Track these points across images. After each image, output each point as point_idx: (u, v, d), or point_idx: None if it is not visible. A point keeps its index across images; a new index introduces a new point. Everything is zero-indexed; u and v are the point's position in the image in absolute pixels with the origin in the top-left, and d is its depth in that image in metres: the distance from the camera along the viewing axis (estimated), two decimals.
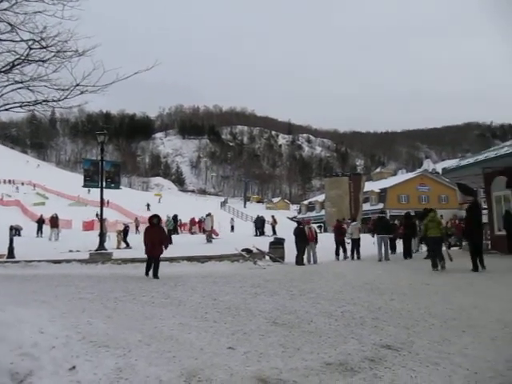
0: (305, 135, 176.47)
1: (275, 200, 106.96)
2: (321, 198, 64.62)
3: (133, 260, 13.53)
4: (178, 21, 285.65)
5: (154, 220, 10.79)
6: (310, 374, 3.64)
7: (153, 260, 10.49)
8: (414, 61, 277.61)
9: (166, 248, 10.78)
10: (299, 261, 14.35)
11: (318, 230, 18.16)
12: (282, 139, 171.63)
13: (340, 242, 16.37)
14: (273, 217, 33.29)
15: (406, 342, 4.55)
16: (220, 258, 13.97)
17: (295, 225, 16.82)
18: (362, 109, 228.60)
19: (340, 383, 3.44)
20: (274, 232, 29.54)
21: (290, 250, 14.86)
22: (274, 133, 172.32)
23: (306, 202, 76.70)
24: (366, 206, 51.65)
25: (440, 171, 39.68)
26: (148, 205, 53.48)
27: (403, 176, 67.51)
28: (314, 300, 7.12)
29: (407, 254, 15.70)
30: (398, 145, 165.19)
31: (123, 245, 21.32)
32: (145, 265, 10.85)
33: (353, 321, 5.58)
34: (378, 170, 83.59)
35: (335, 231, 17.12)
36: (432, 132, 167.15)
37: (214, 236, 26.59)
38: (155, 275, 10.29)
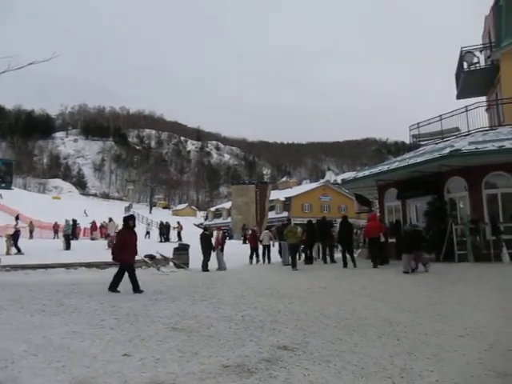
0: (214, 142, 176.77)
1: (182, 206, 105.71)
2: (228, 205, 65.11)
3: (23, 266, 12.55)
4: (85, 17, 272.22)
5: (131, 222, 9.30)
6: (207, 377, 3.63)
7: (125, 270, 8.88)
8: (315, 81, 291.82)
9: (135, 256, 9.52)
10: (204, 266, 14.32)
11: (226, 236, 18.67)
12: (191, 145, 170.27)
13: (254, 249, 17.66)
14: (178, 223, 32.90)
15: (302, 343, 4.73)
16: None
17: (201, 231, 16.89)
18: (270, 120, 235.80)
19: None
20: (180, 238, 29.20)
21: (197, 256, 14.76)
22: (182, 138, 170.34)
23: (213, 209, 76.78)
24: (272, 214, 53.06)
25: (340, 182, 41.99)
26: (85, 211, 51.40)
27: (307, 186, 70.48)
28: (216, 305, 7.14)
29: (308, 259, 16.44)
30: (303, 156, 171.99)
31: (14, 250, 19.66)
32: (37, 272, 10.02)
33: (252, 324, 5.68)
34: (284, 179, 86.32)
35: (251, 238, 18.26)
36: (334, 145, 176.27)
37: None
38: (138, 288, 8.66)
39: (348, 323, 5.73)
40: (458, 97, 22.34)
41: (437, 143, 16.52)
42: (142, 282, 10.20)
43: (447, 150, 13.59)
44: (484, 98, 21.70)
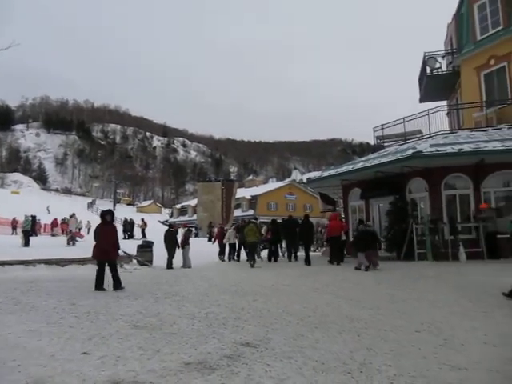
0: (180, 139, 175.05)
1: (147, 203, 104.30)
2: (193, 202, 64.69)
3: None
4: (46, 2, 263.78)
5: (108, 217, 8.99)
6: (168, 374, 3.60)
7: (105, 266, 8.69)
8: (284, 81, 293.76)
9: (117, 252, 9.24)
10: (168, 264, 14.22)
11: (193, 234, 18.64)
12: (157, 141, 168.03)
13: (223, 246, 17.70)
14: (143, 220, 32.47)
15: (264, 339, 4.76)
16: (83, 261, 13.13)
17: (166, 228, 16.78)
18: (237, 118, 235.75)
19: (197, 381, 3.46)
20: (144, 235, 28.82)
21: (162, 253, 14.61)
22: (148, 134, 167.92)
23: (178, 206, 76.16)
24: (238, 212, 53.03)
25: (306, 181, 42.40)
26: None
27: (273, 184, 70.83)
28: (179, 303, 7.09)
29: (272, 256, 16.60)
30: (270, 155, 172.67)
31: None
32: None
33: (215, 321, 5.67)
34: (251, 177, 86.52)
35: (219, 236, 18.22)
36: (301, 145, 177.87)
37: (78, 239, 24.94)
38: (118, 285, 8.54)
39: (310, 320, 5.80)
40: (421, 100, 22.98)
41: (400, 145, 16.92)
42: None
43: (409, 152, 13.94)
44: (445, 102, 22.40)
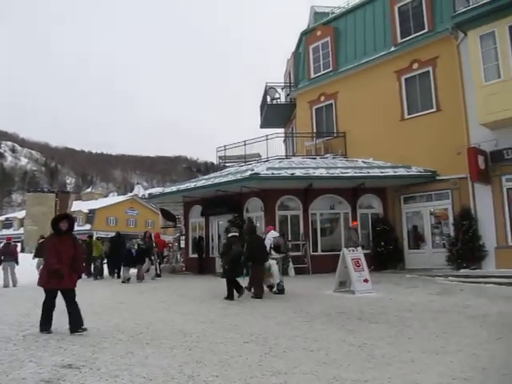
0: (9, 143, 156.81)
1: None
2: (21, 214, 58.30)
3: None
4: None
5: (62, 224, 6.04)
6: None
7: (55, 297, 5.93)
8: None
9: (80, 276, 6.35)
10: None
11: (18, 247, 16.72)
12: None
13: None
14: None
15: (90, 359, 4.48)
16: None
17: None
18: (78, 126, 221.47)
19: None
20: None
21: None
22: None
23: (1, 218, 67.73)
24: None
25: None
26: None
27: (114, 198, 67.90)
28: None
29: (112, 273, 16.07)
30: (113, 167, 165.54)
31: None
32: None
33: (34, 344, 5.17)
34: (89, 190, 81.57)
35: None
36: (146, 160, 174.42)
37: None
38: (78, 324, 5.78)
39: (142, 337, 5.65)
40: (262, 126, 24.58)
41: (240, 166, 17.79)
42: None
43: (248, 173, 14.72)
44: (283, 130, 24.35)
